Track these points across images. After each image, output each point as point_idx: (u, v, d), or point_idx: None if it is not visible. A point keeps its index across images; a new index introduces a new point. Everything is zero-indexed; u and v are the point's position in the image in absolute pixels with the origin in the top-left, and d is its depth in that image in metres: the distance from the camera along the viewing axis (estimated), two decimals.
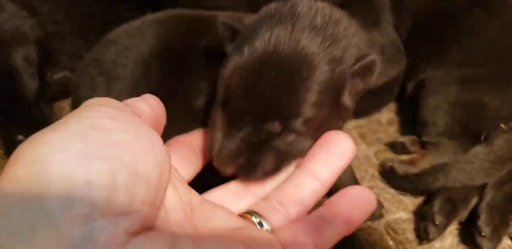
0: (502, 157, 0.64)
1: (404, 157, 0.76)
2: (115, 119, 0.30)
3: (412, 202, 0.70)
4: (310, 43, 0.40)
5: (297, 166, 0.44)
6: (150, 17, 0.61)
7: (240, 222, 0.38)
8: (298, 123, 0.41)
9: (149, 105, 0.36)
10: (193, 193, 0.40)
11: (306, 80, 0.40)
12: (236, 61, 0.41)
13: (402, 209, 0.69)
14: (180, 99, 0.55)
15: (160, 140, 0.32)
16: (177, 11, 0.63)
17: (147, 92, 0.38)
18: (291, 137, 0.42)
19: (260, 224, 0.38)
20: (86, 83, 0.59)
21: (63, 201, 0.25)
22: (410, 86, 0.80)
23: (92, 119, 0.29)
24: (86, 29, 0.76)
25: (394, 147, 0.77)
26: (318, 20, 0.42)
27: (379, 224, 0.66)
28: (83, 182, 0.26)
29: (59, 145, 0.27)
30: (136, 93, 0.39)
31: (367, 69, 0.43)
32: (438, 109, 0.74)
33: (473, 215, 0.66)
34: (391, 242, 0.65)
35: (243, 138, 0.41)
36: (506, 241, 0.67)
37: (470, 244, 0.65)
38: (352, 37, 0.44)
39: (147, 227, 0.29)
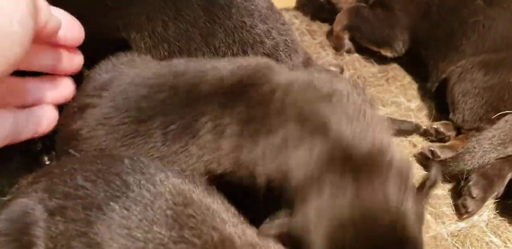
0: None
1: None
2: None
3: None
4: None
5: None
6: None
7: None
8: None
9: None
10: None
11: None
12: None
13: (438, 187, 0.72)
14: None
15: None
16: None
17: None
18: None
19: None
20: None
21: None
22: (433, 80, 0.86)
23: None
24: None
25: (427, 133, 0.80)
26: None
27: None
28: None
29: None
30: None
31: None
32: (467, 96, 0.78)
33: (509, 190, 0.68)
34: (428, 216, 0.67)
35: None
36: None
37: (507, 216, 0.67)
38: None
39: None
